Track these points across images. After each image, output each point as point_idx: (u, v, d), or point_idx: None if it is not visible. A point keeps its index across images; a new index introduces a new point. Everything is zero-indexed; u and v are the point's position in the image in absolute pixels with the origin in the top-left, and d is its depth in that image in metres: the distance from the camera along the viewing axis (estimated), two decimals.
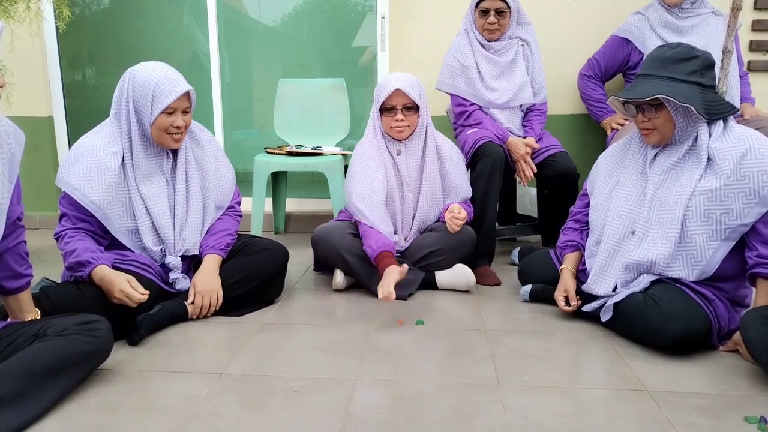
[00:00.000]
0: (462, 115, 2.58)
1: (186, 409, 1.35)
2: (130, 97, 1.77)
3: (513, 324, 1.87)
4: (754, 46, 2.95)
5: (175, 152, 1.90)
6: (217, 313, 1.92)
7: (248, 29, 3.42)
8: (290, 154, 2.87)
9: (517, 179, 2.50)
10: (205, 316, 1.89)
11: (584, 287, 1.84)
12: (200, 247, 1.94)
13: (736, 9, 2.27)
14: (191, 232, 1.92)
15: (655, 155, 1.74)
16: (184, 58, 3.41)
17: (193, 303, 1.85)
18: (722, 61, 2.30)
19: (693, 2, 2.53)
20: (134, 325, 1.70)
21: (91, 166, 1.75)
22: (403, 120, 2.12)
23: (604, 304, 1.77)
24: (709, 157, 1.63)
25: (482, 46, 2.55)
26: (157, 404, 1.38)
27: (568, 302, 1.87)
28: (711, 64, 1.65)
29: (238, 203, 2.11)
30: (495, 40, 2.53)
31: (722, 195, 1.60)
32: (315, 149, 2.91)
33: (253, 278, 1.94)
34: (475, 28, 2.54)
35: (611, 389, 1.45)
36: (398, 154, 2.18)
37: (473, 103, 2.55)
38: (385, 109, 2.13)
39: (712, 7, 2.56)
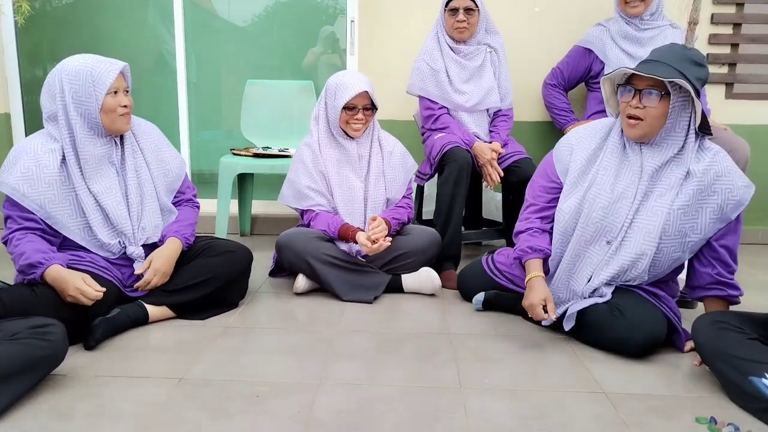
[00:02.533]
0: (430, 119, 2.60)
1: (143, 416, 1.32)
2: (67, 92, 1.72)
3: (476, 328, 1.89)
4: (710, 59, 3.05)
5: (122, 142, 1.86)
6: (178, 316, 1.89)
7: (216, 28, 3.38)
8: (257, 155, 2.85)
9: (484, 184, 2.53)
10: (147, 323, 1.84)
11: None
12: (161, 234, 1.91)
13: (693, 23, 2.36)
14: (150, 220, 1.88)
15: (637, 157, 1.67)
16: (149, 56, 3.34)
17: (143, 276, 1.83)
18: None
19: (652, 14, 2.61)
20: (90, 329, 1.65)
21: (29, 165, 1.70)
22: (362, 119, 2.18)
23: (564, 313, 1.77)
24: (688, 171, 1.63)
25: (452, 49, 2.59)
26: (112, 410, 1.34)
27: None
28: (707, 80, 1.64)
29: (195, 195, 2.10)
30: (464, 42, 2.57)
31: (693, 210, 1.63)
32: (282, 151, 2.89)
33: (215, 281, 1.90)
34: (444, 31, 2.58)
35: (570, 391, 1.48)
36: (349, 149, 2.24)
37: (441, 107, 2.58)
38: (346, 108, 2.16)
39: (669, 19, 2.65)
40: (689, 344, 1.66)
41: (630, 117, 1.62)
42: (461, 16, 2.50)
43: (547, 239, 1.83)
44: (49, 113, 1.76)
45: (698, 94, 1.58)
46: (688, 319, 1.78)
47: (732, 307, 1.69)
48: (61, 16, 3.29)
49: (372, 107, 2.21)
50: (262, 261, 2.51)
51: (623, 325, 1.64)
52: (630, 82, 1.62)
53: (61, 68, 1.74)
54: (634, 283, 1.72)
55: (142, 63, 3.27)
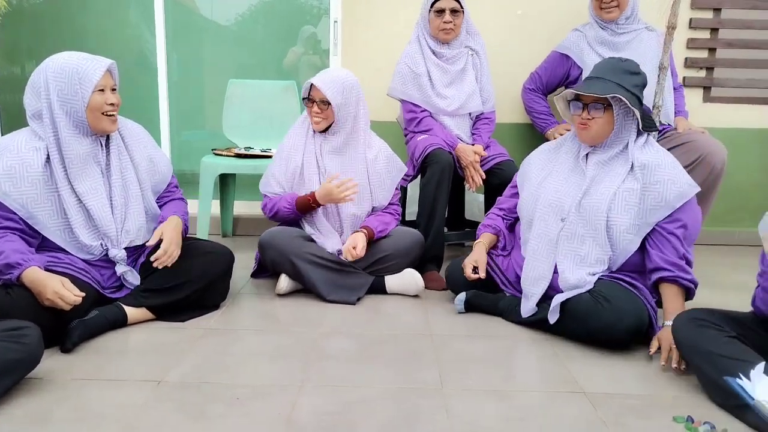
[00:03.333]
0: (412, 122, 2.60)
1: (121, 419, 1.30)
2: (53, 90, 1.69)
3: (459, 328, 1.90)
4: (688, 63, 3.10)
5: (107, 142, 1.83)
6: (158, 318, 1.86)
7: (199, 28, 3.35)
8: (239, 156, 2.82)
9: (466, 186, 2.54)
10: (124, 326, 1.81)
11: (522, 278, 1.90)
12: (159, 219, 1.93)
13: (671, 27, 2.39)
14: (133, 222, 1.85)
15: (587, 155, 1.87)
16: (130, 54, 3.30)
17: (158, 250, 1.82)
18: (658, 76, 2.41)
19: (627, 18, 2.63)
20: (67, 331, 1.62)
21: (13, 163, 1.67)
22: (319, 112, 2.19)
23: (539, 308, 1.84)
24: (632, 164, 1.79)
25: (434, 53, 2.59)
26: (90, 414, 1.32)
27: (476, 271, 2.00)
28: (646, 84, 1.85)
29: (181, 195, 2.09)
30: (447, 44, 2.57)
31: (638, 195, 1.77)
32: (264, 152, 2.87)
33: (195, 282, 1.88)
34: (427, 34, 2.58)
35: (551, 392, 1.49)
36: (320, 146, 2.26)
37: (424, 110, 2.58)
38: (306, 99, 2.22)
39: (645, 23, 2.68)
40: (654, 346, 1.68)
41: (580, 123, 1.84)
42: (447, 17, 2.50)
43: (501, 221, 2.12)
44: (34, 111, 1.72)
45: (640, 100, 1.81)
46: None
47: (712, 306, 1.69)
48: (39, 13, 3.23)
49: (328, 102, 2.17)
50: (244, 262, 2.49)
51: (609, 312, 1.67)
52: (578, 98, 1.83)
53: (46, 65, 1.71)
54: (605, 266, 1.80)
55: (122, 61, 3.21)
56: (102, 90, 1.73)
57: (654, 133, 2.37)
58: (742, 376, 1.17)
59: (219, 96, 3.14)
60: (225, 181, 3.06)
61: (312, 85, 2.17)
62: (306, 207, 2.16)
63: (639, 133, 1.83)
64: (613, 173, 1.82)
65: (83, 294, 1.63)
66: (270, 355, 1.67)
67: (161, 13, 3.13)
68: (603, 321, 1.67)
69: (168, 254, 1.81)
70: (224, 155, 2.84)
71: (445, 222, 2.86)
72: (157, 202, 1.97)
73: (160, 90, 3.21)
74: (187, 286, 1.87)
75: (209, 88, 3.40)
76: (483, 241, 2.08)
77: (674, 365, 1.57)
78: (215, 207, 3.04)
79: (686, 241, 1.77)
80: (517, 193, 2.07)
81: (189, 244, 1.98)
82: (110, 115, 1.75)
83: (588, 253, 1.80)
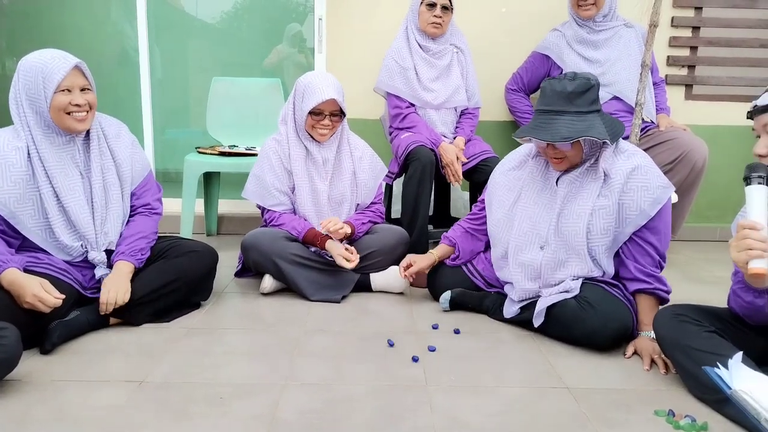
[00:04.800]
0: (398, 117, 2.60)
1: (102, 420, 1.28)
2: (21, 88, 1.67)
3: (443, 326, 1.90)
4: (671, 61, 3.14)
5: (87, 143, 1.80)
6: (142, 319, 1.83)
7: (182, 25, 3.31)
8: (223, 154, 2.80)
9: (453, 180, 2.55)
10: (107, 326, 1.78)
11: (511, 295, 1.89)
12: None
13: (653, 26, 2.41)
14: (113, 225, 1.83)
15: (558, 175, 1.80)
16: (112, 51, 3.26)
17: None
18: (641, 74, 2.43)
19: (605, 16, 2.65)
20: (46, 332, 1.60)
21: None
22: (329, 125, 2.15)
23: (523, 310, 1.84)
24: (604, 174, 1.73)
25: (421, 47, 2.60)
26: (70, 415, 1.30)
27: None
28: (599, 87, 1.73)
29: (158, 200, 2.01)
30: (434, 40, 2.58)
31: (615, 209, 1.71)
32: (249, 150, 2.85)
33: (179, 282, 1.86)
34: (415, 28, 2.59)
35: (534, 387, 1.50)
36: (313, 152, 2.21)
37: (409, 106, 2.59)
38: (313, 112, 2.13)
39: (623, 19, 2.70)
40: (629, 351, 1.70)
41: (551, 158, 1.76)
42: (438, 11, 2.51)
43: (461, 233, 2.10)
44: (14, 107, 1.71)
45: (599, 111, 1.72)
46: None
47: (693, 301, 1.71)
48: (20, 11, 3.18)
49: (340, 113, 2.18)
50: (228, 261, 2.47)
51: (594, 318, 1.67)
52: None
53: (21, 63, 1.69)
54: (593, 274, 1.77)
55: (103, 58, 3.19)
56: (69, 90, 1.69)
57: (636, 132, 2.39)
58: (720, 365, 1.18)
59: (203, 94, 3.11)
60: (209, 180, 3.03)
61: (326, 99, 2.08)
62: (312, 242, 2.12)
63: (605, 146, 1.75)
64: (585, 190, 1.74)
65: (63, 296, 1.60)
66: (253, 354, 1.65)
67: (143, 9, 3.09)
68: (588, 327, 1.68)
69: (109, 305, 1.72)
70: (208, 153, 2.82)
71: (430, 219, 2.87)
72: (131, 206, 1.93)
73: (143, 88, 3.18)
74: (171, 286, 1.85)
75: (193, 86, 3.37)
76: (435, 253, 2.09)
77: (662, 371, 1.58)
78: (199, 206, 3.01)
79: (662, 245, 1.74)
80: (484, 208, 2.02)
81: (172, 243, 1.96)
82: (74, 114, 1.71)
83: (574, 276, 1.77)
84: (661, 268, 1.77)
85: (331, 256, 2.11)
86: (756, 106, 1.34)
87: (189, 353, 1.64)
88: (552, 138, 1.67)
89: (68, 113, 1.70)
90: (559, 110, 1.69)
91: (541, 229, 1.80)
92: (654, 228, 1.72)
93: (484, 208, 2.04)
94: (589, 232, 1.73)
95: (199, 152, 2.84)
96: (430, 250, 2.11)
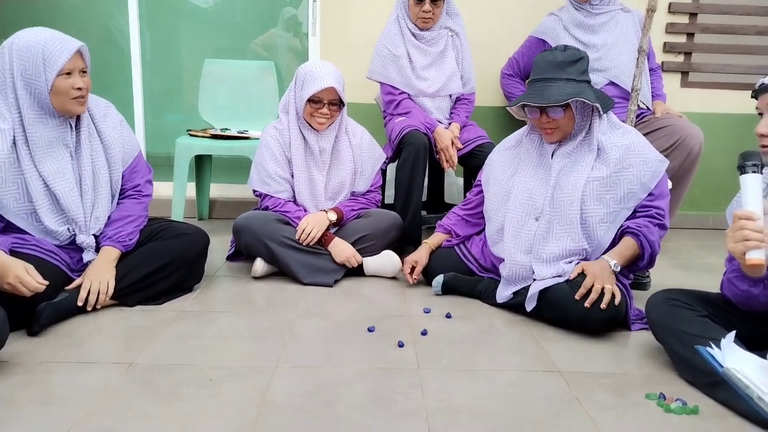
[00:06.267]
0: (391, 104, 2.57)
1: (90, 402, 1.27)
2: (16, 69, 1.62)
3: (435, 310, 1.89)
4: (667, 48, 3.12)
5: (77, 124, 1.77)
6: (135, 301, 1.82)
7: (174, 7, 3.26)
8: (215, 137, 2.77)
9: (446, 166, 2.53)
10: (95, 308, 1.74)
11: (503, 274, 1.89)
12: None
13: (651, 10, 2.39)
14: (103, 209, 1.81)
15: (552, 150, 1.84)
16: (101, 32, 3.20)
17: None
18: (638, 59, 2.41)
19: (601, 0, 2.62)
20: (34, 314, 1.58)
21: None
22: (327, 114, 2.13)
23: (515, 295, 1.84)
24: (598, 147, 1.78)
25: (413, 35, 2.55)
26: (57, 397, 1.29)
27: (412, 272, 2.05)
28: (588, 61, 1.81)
29: (149, 182, 1.98)
30: (427, 30, 2.54)
31: (611, 182, 1.76)
32: (241, 133, 2.82)
33: (170, 265, 1.84)
34: (407, 16, 2.54)
35: (526, 371, 1.49)
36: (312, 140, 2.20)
37: (402, 92, 2.56)
38: (311, 100, 2.10)
39: (620, 3, 2.67)
40: (575, 272, 1.72)
41: (544, 128, 1.81)
42: (427, 6, 2.46)
43: (456, 220, 2.10)
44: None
45: (590, 83, 1.79)
46: (641, 300, 1.81)
47: (684, 287, 1.71)
48: None
49: (339, 103, 2.16)
50: (220, 245, 2.45)
51: (586, 302, 1.67)
52: (532, 105, 1.77)
53: (12, 42, 1.64)
54: (584, 255, 1.78)
55: (91, 40, 3.12)
56: (69, 73, 1.66)
57: (632, 118, 2.38)
58: (712, 345, 1.18)
59: (195, 77, 3.07)
60: (201, 163, 3.00)
61: (325, 87, 2.06)
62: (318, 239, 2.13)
63: (600, 115, 1.81)
64: (580, 163, 1.79)
65: (47, 282, 1.56)
66: (244, 337, 1.64)
67: None
68: (580, 311, 1.67)
69: (87, 293, 1.69)
70: (200, 136, 2.79)
71: (425, 205, 2.86)
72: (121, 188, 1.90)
73: (134, 70, 3.14)
74: (162, 269, 1.83)
75: (186, 69, 3.32)
76: (428, 242, 2.09)
77: (603, 305, 1.63)
78: (191, 190, 2.99)
79: (661, 204, 1.77)
80: (482, 191, 2.03)
81: (163, 225, 1.94)
82: (77, 98, 1.68)
83: (564, 249, 1.78)
84: (662, 227, 1.77)
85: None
86: (763, 84, 1.33)
87: (179, 336, 1.63)
88: (545, 101, 1.72)
89: (73, 98, 1.66)
90: (551, 78, 1.75)
91: (537, 200, 1.82)
92: (652, 195, 1.76)
93: (480, 192, 2.05)
94: (583, 203, 1.76)
95: (191, 135, 2.81)
96: (424, 241, 2.11)
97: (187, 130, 2.86)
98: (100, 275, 1.73)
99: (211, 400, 1.30)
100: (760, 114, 1.35)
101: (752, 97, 1.38)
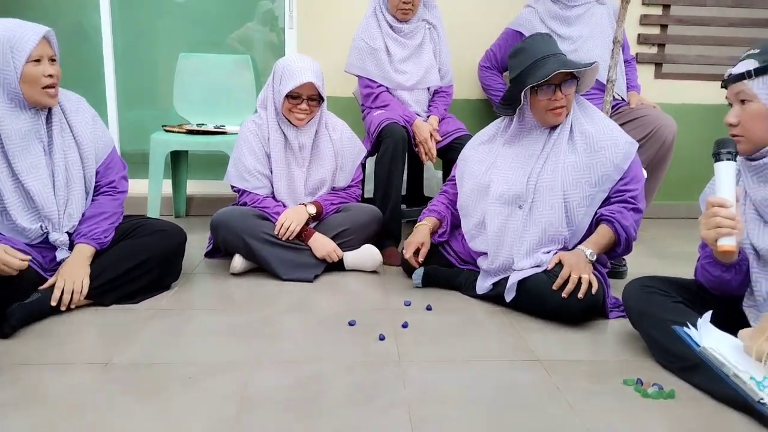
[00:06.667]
0: (369, 97, 2.56)
1: (65, 402, 1.25)
2: None
3: (416, 303, 1.89)
4: (641, 39, 3.15)
5: (48, 118, 1.73)
6: (111, 300, 1.78)
7: (148, 1, 3.19)
8: (191, 132, 2.73)
9: (425, 158, 2.53)
10: (69, 308, 1.70)
11: (483, 267, 1.89)
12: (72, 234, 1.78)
13: (626, 2, 2.40)
14: (77, 206, 1.77)
15: (537, 135, 1.86)
16: (71, 26, 3.13)
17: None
18: (612, 50, 2.43)
19: None
20: (5, 315, 1.54)
21: None
22: (306, 109, 2.11)
23: (495, 286, 1.85)
24: (571, 131, 1.82)
25: (391, 28, 2.54)
26: (32, 398, 1.26)
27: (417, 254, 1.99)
28: None
29: (123, 178, 1.94)
30: (405, 22, 2.53)
31: (584, 165, 1.78)
32: (218, 128, 2.79)
33: (146, 262, 1.81)
34: (385, 9, 2.53)
35: (507, 360, 1.51)
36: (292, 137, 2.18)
37: (380, 85, 2.55)
38: (290, 96, 2.08)
39: None
40: (553, 263, 1.75)
41: (554, 108, 1.79)
42: None
43: (443, 207, 2.07)
44: None
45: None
46: (618, 288, 1.83)
47: (659, 274, 1.74)
48: None
49: (319, 98, 2.14)
50: (198, 242, 2.42)
51: (563, 292, 1.68)
52: (547, 81, 1.76)
53: None
54: (562, 244, 1.80)
55: (63, 34, 3.06)
56: (38, 60, 1.62)
57: (608, 109, 2.40)
58: (689, 325, 1.20)
59: (171, 72, 3.02)
60: (177, 159, 2.96)
61: (303, 83, 2.03)
62: (298, 234, 2.11)
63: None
64: (557, 147, 1.82)
65: (29, 257, 1.55)
66: (224, 333, 1.63)
67: None
68: (558, 301, 1.69)
69: (60, 293, 1.66)
70: (175, 132, 2.74)
71: (404, 198, 2.85)
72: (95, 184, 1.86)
73: (106, 65, 3.07)
74: (138, 267, 1.80)
75: (161, 63, 3.26)
76: (426, 223, 2.03)
77: (580, 295, 1.66)
78: (167, 186, 2.94)
79: (635, 187, 1.80)
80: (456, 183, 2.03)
81: (138, 223, 1.91)
82: (49, 88, 1.65)
83: (544, 235, 1.80)
84: (637, 211, 1.80)
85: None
86: (730, 74, 1.35)
87: (157, 334, 1.61)
88: (576, 66, 1.74)
89: (44, 87, 1.63)
90: (555, 52, 1.79)
91: (517, 189, 1.82)
92: (625, 178, 1.78)
93: (455, 184, 2.04)
94: (563, 186, 1.78)
95: (166, 130, 2.77)
96: (421, 223, 2.05)
97: (163, 126, 2.81)
98: (74, 274, 1.70)
99: (191, 397, 1.28)
100: (730, 104, 1.38)
101: (722, 87, 1.40)
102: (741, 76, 1.31)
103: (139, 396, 1.28)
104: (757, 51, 1.30)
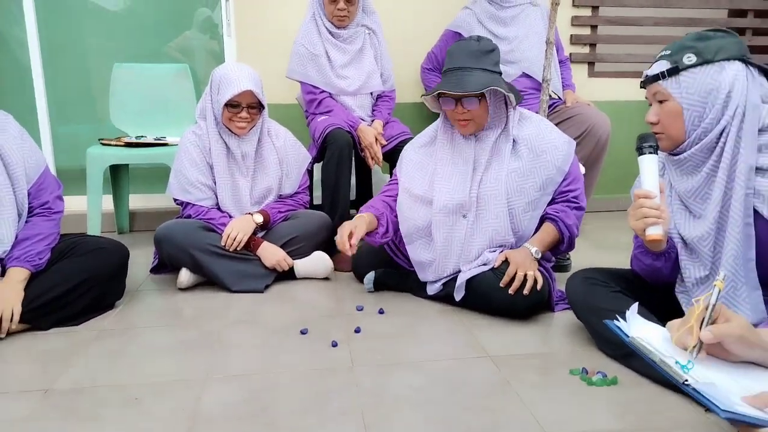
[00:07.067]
0: (313, 103, 2.56)
1: None
2: None
3: (368, 307, 1.90)
4: (574, 40, 3.27)
5: None
6: (50, 324, 1.71)
7: (76, 9, 3.07)
8: (129, 145, 2.65)
9: (372, 163, 2.54)
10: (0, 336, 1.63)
11: (430, 279, 1.91)
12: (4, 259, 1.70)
13: (555, 3, 2.49)
14: (7, 231, 1.69)
15: (470, 145, 1.84)
16: None
17: None
18: (546, 51, 2.51)
19: None
20: None
21: None
22: (247, 117, 2.08)
23: (445, 286, 1.88)
24: (513, 140, 1.82)
25: (330, 33, 2.54)
26: None
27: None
28: (499, 54, 1.83)
29: (58, 198, 1.86)
30: (344, 28, 2.54)
31: (527, 171, 1.80)
32: (159, 140, 2.71)
33: (86, 282, 1.74)
34: (323, 14, 2.53)
35: (458, 358, 1.53)
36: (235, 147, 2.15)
37: (323, 91, 2.55)
38: (229, 104, 2.05)
39: None
40: (499, 260, 1.78)
41: (459, 120, 1.80)
42: (342, 4, 2.45)
43: (381, 205, 2.00)
44: None
45: (501, 74, 1.81)
46: (563, 281, 1.89)
47: (602, 265, 1.80)
48: None
49: (259, 106, 2.11)
50: (144, 258, 2.36)
51: (510, 290, 1.72)
52: (447, 94, 1.76)
53: None
54: (509, 240, 1.83)
55: None
56: None
57: (544, 108, 2.48)
58: (619, 317, 1.25)
59: (107, 84, 2.92)
60: (117, 174, 2.86)
61: (242, 91, 2.01)
62: (245, 245, 2.09)
63: (512, 110, 1.83)
64: (499, 155, 1.82)
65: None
66: (171, 351, 1.58)
67: None
68: (505, 298, 1.73)
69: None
70: (113, 145, 2.65)
71: (353, 203, 2.85)
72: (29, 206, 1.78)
73: (35, 78, 2.94)
74: (77, 288, 1.73)
75: (96, 75, 3.14)
76: (362, 215, 1.94)
77: (526, 292, 1.70)
78: (108, 202, 2.84)
79: (576, 186, 1.84)
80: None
81: (75, 241, 1.84)
82: None
83: (491, 244, 1.82)
84: (579, 209, 1.85)
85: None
86: (647, 76, 1.41)
87: (100, 356, 1.55)
88: (462, 89, 1.72)
89: None
90: (467, 67, 1.75)
91: (460, 198, 1.82)
92: (567, 178, 1.83)
93: (396, 183, 2.02)
94: (507, 194, 1.79)
95: (103, 144, 2.67)
96: (360, 215, 1.94)
97: (99, 140, 2.71)
98: (3, 300, 1.61)
99: (138, 419, 1.24)
100: (650, 103, 1.44)
101: (641, 87, 1.47)
102: (656, 77, 1.38)
103: (82, 422, 1.23)
104: (668, 52, 1.36)
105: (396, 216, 2.00)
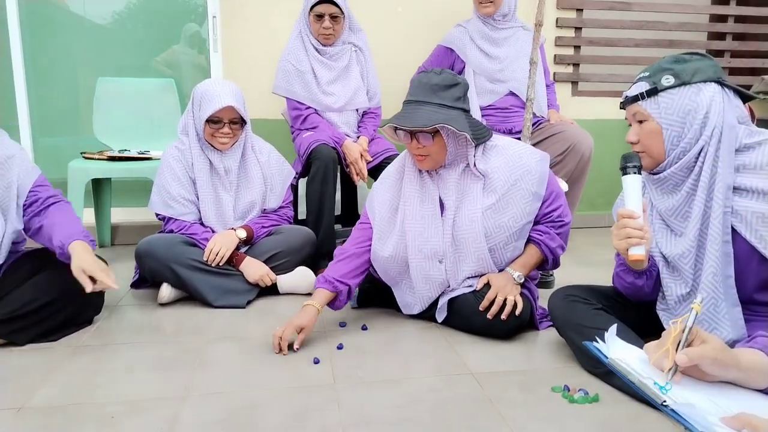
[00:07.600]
0: (298, 119, 2.56)
1: None
2: None
3: (351, 323, 1.89)
4: (557, 60, 3.33)
5: None
6: (26, 339, 1.67)
7: (64, 22, 3.07)
8: (112, 159, 2.63)
9: (357, 179, 2.55)
10: None
11: (414, 312, 1.89)
12: (60, 242, 1.69)
13: (538, 24, 2.53)
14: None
15: (432, 180, 1.76)
16: None
17: None
18: (530, 71, 2.55)
19: (504, 16, 2.77)
20: None
21: None
22: (229, 133, 2.08)
23: (425, 308, 1.86)
24: (483, 175, 1.73)
25: (317, 50, 2.56)
26: None
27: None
28: (467, 90, 1.73)
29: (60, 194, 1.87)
30: (330, 45, 2.56)
31: (503, 205, 1.72)
32: (142, 154, 2.70)
33: (63, 297, 1.71)
34: (309, 32, 2.54)
35: (441, 376, 1.52)
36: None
37: (309, 107, 2.55)
38: (210, 120, 2.05)
39: (521, 22, 2.84)
40: (481, 283, 1.75)
41: (415, 154, 1.73)
42: (327, 22, 2.48)
43: (347, 269, 1.81)
44: None
45: (466, 110, 1.71)
46: (547, 297, 1.90)
47: (585, 282, 1.81)
48: None
49: (241, 121, 2.12)
50: (124, 272, 2.32)
51: (488, 314, 1.72)
52: (403, 128, 1.68)
53: None
54: (493, 271, 1.80)
55: None
56: None
57: (528, 126, 2.51)
58: (598, 339, 1.26)
59: (91, 97, 2.90)
60: (99, 188, 2.83)
61: (223, 107, 2.01)
62: (228, 260, 2.08)
63: (473, 146, 1.72)
64: (469, 195, 1.74)
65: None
66: (150, 368, 1.56)
67: (14, 7, 2.83)
68: (484, 321, 1.72)
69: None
70: (96, 159, 2.63)
71: (338, 218, 2.85)
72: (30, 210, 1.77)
73: (18, 91, 2.91)
74: (52, 304, 1.69)
75: (81, 89, 3.13)
76: (315, 304, 1.72)
77: (504, 317, 1.69)
78: (90, 215, 2.81)
79: (557, 204, 1.79)
80: (370, 227, 1.87)
81: (50, 257, 1.80)
82: None
83: (473, 273, 1.79)
84: (563, 226, 1.82)
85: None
86: (626, 97, 1.44)
87: (76, 373, 1.52)
88: (409, 124, 1.64)
89: None
90: (422, 100, 1.67)
91: (434, 243, 1.76)
92: (546, 199, 1.78)
93: (368, 227, 1.88)
94: (485, 234, 1.73)
95: (86, 158, 2.65)
96: (308, 302, 1.74)
97: (81, 153, 2.69)
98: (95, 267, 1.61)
99: None
100: (630, 124, 1.47)
101: (621, 108, 1.49)
102: (635, 98, 1.40)
103: None
104: (647, 74, 1.39)
105: (369, 261, 1.87)
